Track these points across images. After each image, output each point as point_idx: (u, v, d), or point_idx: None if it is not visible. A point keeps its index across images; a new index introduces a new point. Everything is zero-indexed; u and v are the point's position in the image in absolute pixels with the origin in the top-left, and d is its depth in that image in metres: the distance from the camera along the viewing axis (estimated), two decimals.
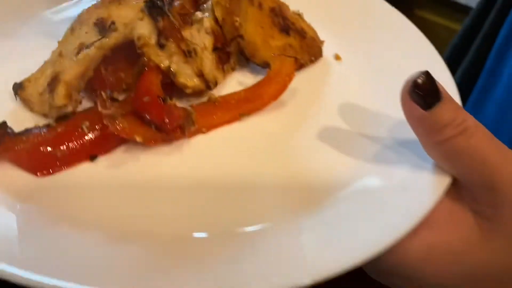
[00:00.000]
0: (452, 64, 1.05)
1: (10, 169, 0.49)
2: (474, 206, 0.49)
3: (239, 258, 0.43)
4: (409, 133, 0.53)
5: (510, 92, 0.88)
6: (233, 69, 0.64)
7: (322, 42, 0.69)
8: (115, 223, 0.45)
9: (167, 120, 0.51)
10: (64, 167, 0.50)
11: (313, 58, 0.68)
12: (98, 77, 0.57)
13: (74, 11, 0.65)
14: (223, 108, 0.58)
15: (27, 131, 0.50)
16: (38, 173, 0.49)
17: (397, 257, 0.49)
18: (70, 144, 0.50)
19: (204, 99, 0.59)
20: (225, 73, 0.62)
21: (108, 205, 0.48)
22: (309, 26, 0.70)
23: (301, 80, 0.65)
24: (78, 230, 0.44)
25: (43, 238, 0.43)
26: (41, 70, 0.56)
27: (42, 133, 0.50)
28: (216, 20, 0.59)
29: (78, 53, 0.56)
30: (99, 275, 0.40)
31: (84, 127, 0.51)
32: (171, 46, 0.55)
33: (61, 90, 0.52)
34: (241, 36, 0.60)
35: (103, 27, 0.57)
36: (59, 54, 0.57)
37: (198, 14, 0.58)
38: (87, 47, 0.56)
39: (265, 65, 0.63)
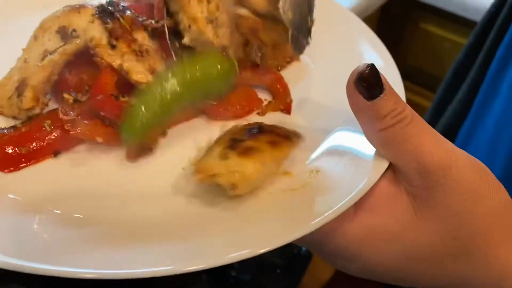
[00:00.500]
0: (457, 78, 1.07)
1: None
2: (409, 188, 0.53)
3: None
4: (355, 123, 0.58)
5: (509, 102, 0.90)
6: None
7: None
8: (67, 209, 0.50)
9: (119, 116, 0.56)
10: (29, 163, 0.55)
11: (288, 59, 0.72)
12: (63, 80, 0.62)
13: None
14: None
15: None
16: (5, 170, 0.54)
17: (338, 239, 0.53)
18: (34, 142, 0.55)
19: None
20: None
21: (64, 193, 0.53)
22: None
23: None
24: (34, 215, 0.49)
25: (12, 224, 0.48)
26: (8, 76, 0.61)
27: (7, 132, 0.55)
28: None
29: (42, 59, 0.61)
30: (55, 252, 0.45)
31: (46, 125, 0.56)
32: (122, 46, 0.60)
33: (28, 94, 0.58)
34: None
35: (65, 34, 0.62)
36: (24, 61, 0.62)
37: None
38: (51, 53, 0.61)
39: None
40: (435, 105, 1.14)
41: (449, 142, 0.53)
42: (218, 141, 0.56)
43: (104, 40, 0.59)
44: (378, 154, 0.56)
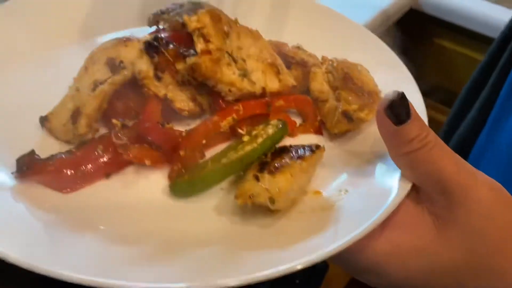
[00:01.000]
0: (472, 95, 1.11)
1: (39, 188, 0.60)
2: (432, 208, 0.58)
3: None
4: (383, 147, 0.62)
5: None
6: None
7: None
8: (120, 227, 0.56)
9: (164, 141, 0.62)
10: (84, 184, 0.61)
11: None
12: (111, 107, 0.68)
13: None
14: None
15: (52, 157, 0.61)
16: (63, 191, 0.60)
17: (367, 256, 0.57)
18: (89, 165, 0.61)
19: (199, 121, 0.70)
20: None
21: (118, 212, 0.58)
22: (310, 54, 0.79)
23: None
24: (87, 233, 0.55)
25: (69, 240, 0.54)
26: (62, 104, 0.68)
27: (65, 157, 0.61)
28: None
29: (94, 88, 0.67)
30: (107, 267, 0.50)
31: (99, 150, 0.62)
32: (167, 78, 0.66)
33: (83, 121, 0.64)
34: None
35: (114, 65, 0.68)
36: (76, 90, 0.68)
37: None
38: (101, 83, 0.67)
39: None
40: (449, 120, 1.17)
41: (469, 165, 0.58)
42: (248, 167, 0.61)
43: (151, 73, 0.64)
44: (402, 175, 0.61)
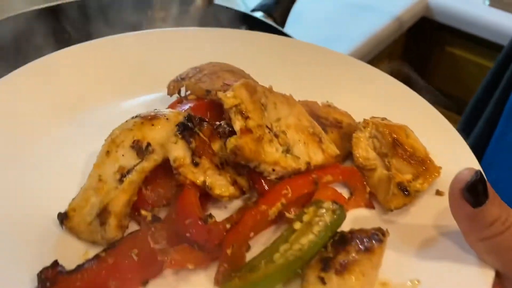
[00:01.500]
0: (481, 104, 1.09)
1: None
2: None
3: None
4: (451, 221, 0.55)
5: None
6: None
7: (357, 123, 0.71)
8: None
9: (209, 240, 0.53)
10: None
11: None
12: (140, 196, 0.59)
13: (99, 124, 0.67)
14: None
15: (79, 267, 0.53)
16: None
17: None
18: (123, 274, 0.53)
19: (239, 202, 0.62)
20: None
21: None
22: (342, 113, 0.72)
23: None
24: None
25: None
26: (84, 197, 0.59)
27: (94, 267, 0.52)
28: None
29: (120, 179, 0.58)
30: None
31: (133, 255, 0.54)
32: (205, 162, 0.58)
33: (112, 222, 0.55)
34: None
35: (140, 148, 0.60)
36: (99, 179, 0.59)
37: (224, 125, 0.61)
38: (129, 171, 0.58)
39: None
40: (461, 125, 1.15)
41: None
42: (307, 267, 0.53)
43: (188, 159, 0.57)
44: (482, 262, 0.54)
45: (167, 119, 0.61)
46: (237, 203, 0.63)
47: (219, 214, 0.59)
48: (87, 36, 0.82)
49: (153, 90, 0.77)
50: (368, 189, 0.66)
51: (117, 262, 0.53)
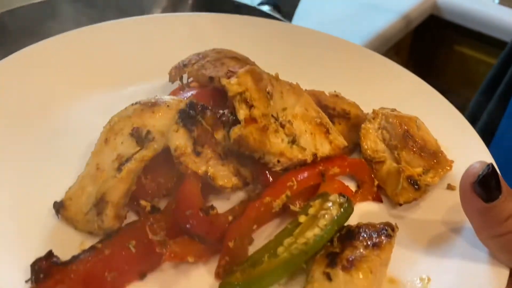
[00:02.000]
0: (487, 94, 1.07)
1: None
2: None
3: None
4: (463, 217, 0.53)
5: None
6: None
7: (366, 114, 0.69)
8: None
9: (210, 232, 0.51)
10: None
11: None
12: (139, 186, 0.57)
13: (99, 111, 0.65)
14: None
15: (74, 259, 0.50)
16: None
17: None
18: (120, 266, 0.50)
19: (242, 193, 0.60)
20: None
21: None
22: (350, 103, 0.70)
23: None
24: None
25: None
26: (80, 186, 0.57)
27: (90, 258, 0.50)
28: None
29: (118, 167, 0.56)
30: None
31: (131, 246, 0.51)
32: (207, 152, 0.55)
33: (110, 212, 0.53)
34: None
35: (139, 136, 0.57)
36: (96, 168, 0.57)
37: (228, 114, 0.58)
38: (127, 160, 0.56)
39: None
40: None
41: None
42: (313, 262, 0.51)
43: (189, 148, 0.54)
44: (495, 260, 0.51)
45: (168, 106, 0.59)
46: (240, 195, 0.61)
47: (221, 206, 0.57)
48: (86, 22, 0.79)
49: (154, 76, 0.75)
50: (376, 182, 0.63)
51: (113, 253, 0.51)
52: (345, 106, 0.71)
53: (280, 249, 0.52)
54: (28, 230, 0.55)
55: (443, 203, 0.62)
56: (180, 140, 0.54)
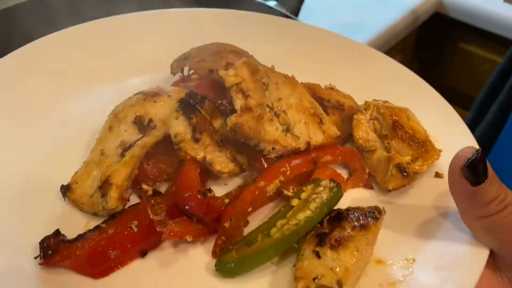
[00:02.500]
0: (490, 98, 1.09)
1: (67, 274, 0.52)
2: None
3: None
4: (449, 203, 0.56)
5: None
6: None
7: (359, 106, 0.72)
8: None
9: (207, 213, 0.54)
10: (118, 266, 0.53)
11: None
12: (141, 171, 0.60)
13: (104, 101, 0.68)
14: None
15: (80, 237, 0.54)
16: (96, 276, 0.52)
17: None
18: (123, 244, 0.54)
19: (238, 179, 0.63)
20: None
21: None
22: (344, 96, 0.73)
23: None
24: None
25: None
26: (86, 170, 0.60)
27: (95, 237, 0.54)
28: None
29: (122, 153, 0.59)
30: None
31: (133, 226, 0.55)
32: (205, 139, 0.59)
33: (114, 195, 0.56)
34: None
35: (142, 124, 0.61)
36: (101, 153, 0.61)
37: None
38: (130, 146, 0.60)
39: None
40: (469, 121, 1.15)
41: None
42: (303, 241, 0.54)
43: (189, 135, 0.57)
44: (477, 239, 0.54)
45: (169, 96, 0.62)
46: (236, 181, 0.64)
47: (218, 191, 0.60)
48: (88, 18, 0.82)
49: (157, 69, 0.78)
50: (367, 170, 0.66)
51: (117, 232, 0.54)
52: (339, 98, 0.74)
53: (273, 230, 0.55)
54: (36, 213, 0.58)
55: (431, 190, 0.64)
56: (179, 127, 0.57)
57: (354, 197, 0.65)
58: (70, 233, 0.55)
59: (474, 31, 1.68)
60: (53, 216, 0.59)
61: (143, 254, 0.55)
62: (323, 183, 0.59)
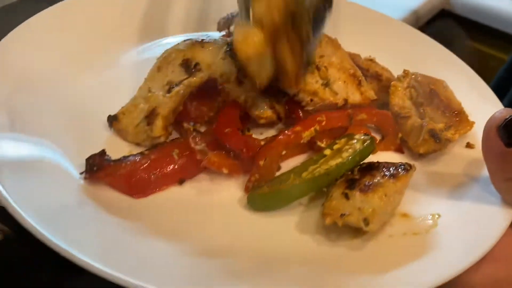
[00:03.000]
0: (498, 95, 1.08)
1: (109, 191, 0.56)
2: None
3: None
4: (479, 170, 0.58)
5: None
6: None
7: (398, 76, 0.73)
8: (199, 239, 0.51)
9: (244, 149, 0.57)
10: (157, 190, 0.56)
11: None
12: (184, 111, 0.64)
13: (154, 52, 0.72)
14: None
15: (124, 158, 0.57)
16: (135, 196, 0.55)
17: None
18: (163, 169, 0.57)
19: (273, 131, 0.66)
20: None
21: (194, 223, 0.54)
22: (383, 68, 0.75)
23: None
24: (167, 243, 0.50)
25: (138, 247, 0.49)
26: (133, 103, 0.64)
27: (138, 159, 0.57)
28: None
29: (168, 90, 0.63)
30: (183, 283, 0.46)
31: (174, 154, 0.58)
32: (248, 84, 0.61)
33: (159, 123, 0.60)
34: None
35: (188, 67, 0.64)
36: (148, 90, 0.64)
37: None
38: (177, 84, 0.63)
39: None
40: None
41: None
42: (333, 186, 0.56)
43: (233, 77, 0.60)
44: (504, 202, 0.55)
45: (216, 43, 0.65)
46: (272, 133, 0.67)
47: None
48: None
49: (205, 27, 0.81)
50: (399, 135, 0.68)
51: (158, 157, 0.57)
52: (378, 69, 0.76)
53: (304, 173, 0.57)
54: (84, 140, 0.62)
55: (461, 158, 0.66)
56: (225, 68, 0.61)
57: (385, 159, 0.66)
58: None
59: (483, 29, 1.63)
60: (99, 144, 0.62)
61: (181, 181, 0.58)
62: (357, 136, 0.61)
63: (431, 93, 0.68)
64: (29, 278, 0.64)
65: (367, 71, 0.75)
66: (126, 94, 0.67)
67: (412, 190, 0.60)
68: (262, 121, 0.63)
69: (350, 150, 0.58)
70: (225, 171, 0.57)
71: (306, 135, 0.61)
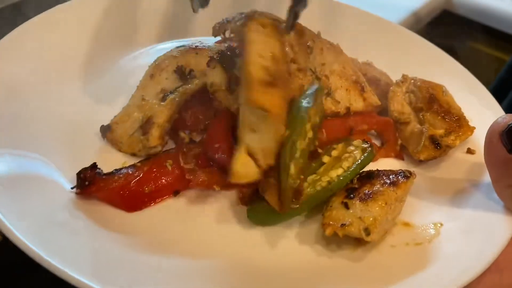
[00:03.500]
0: (499, 95, 1.08)
1: (101, 205, 0.54)
2: None
3: None
4: (480, 177, 0.57)
5: None
6: None
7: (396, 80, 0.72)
8: (196, 252, 0.50)
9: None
10: (151, 203, 0.55)
11: None
12: (179, 119, 0.62)
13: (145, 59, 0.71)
14: None
15: (116, 172, 0.55)
16: (129, 210, 0.54)
17: None
18: (157, 182, 0.55)
19: None
20: None
21: (190, 235, 0.52)
22: (381, 72, 0.73)
23: None
24: (162, 258, 0.49)
25: (131, 263, 0.48)
26: (127, 113, 0.62)
27: (130, 172, 0.55)
28: None
29: (163, 98, 0.61)
30: None
31: (168, 165, 0.56)
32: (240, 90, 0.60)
33: (155, 132, 0.58)
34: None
35: (183, 73, 0.63)
36: (142, 99, 0.62)
37: None
38: (171, 92, 0.61)
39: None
40: None
41: None
42: (333, 194, 0.55)
43: (224, 86, 0.59)
44: (507, 210, 0.54)
45: (210, 49, 0.64)
46: None
47: None
48: None
49: (199, 32, 0.80)
50: (399, 141, 0.67)
51: (152, 169, 0.56)
52: (376, 74, 0.75)
53: (305, 185, 0.56)
54: (76, 150, 0.60)
55: (462, 164, 0.64)
56: (216, 77, 0.59)
57: (385, 166, 0.65)
58: (106, 171, 0.57)
59: (485, 29, 1.62)
60: (91, 155, 0.60)
61: (175, 193, 0.56)
62: (355, 142, 0.59)
63: (431, 98, 0.67)
64: (28, 279, 0.63)
65: (364, 75, 0.74)
66: (117, 103, 0.66)
67: (413, 198, 0.59)
68: None
69: (350, 159, 0.57)
70: (216, 188, 0.55)
71: None
